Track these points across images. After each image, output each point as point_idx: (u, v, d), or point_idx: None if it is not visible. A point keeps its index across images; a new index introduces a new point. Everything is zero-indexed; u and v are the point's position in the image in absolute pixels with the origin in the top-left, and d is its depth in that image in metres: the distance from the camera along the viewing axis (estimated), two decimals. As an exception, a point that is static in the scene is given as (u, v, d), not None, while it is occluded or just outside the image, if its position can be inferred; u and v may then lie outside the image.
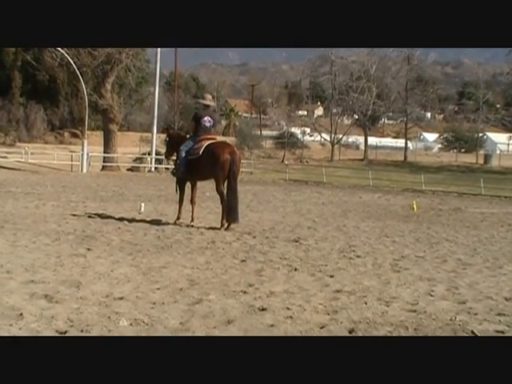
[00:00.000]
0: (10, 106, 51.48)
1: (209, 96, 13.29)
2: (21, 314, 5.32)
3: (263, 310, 5.92)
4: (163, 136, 18.85)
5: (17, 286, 6.48)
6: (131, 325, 5.24)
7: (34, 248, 8.90)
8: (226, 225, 11.87)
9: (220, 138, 13.68)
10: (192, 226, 12.03)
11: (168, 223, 12.20)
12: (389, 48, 55.96)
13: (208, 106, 12.77)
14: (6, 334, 4.76)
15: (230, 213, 11.90)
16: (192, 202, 12.58)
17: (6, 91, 50.91)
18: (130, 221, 12.45)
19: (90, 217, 12.96)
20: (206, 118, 12.30)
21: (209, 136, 12.32)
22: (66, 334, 4.89)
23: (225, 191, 12.04)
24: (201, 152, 11.98)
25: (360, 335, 5.25)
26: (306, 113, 78.17)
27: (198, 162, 12.01)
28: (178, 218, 12.41)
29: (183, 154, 12.23)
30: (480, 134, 68.56)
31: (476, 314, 6.12)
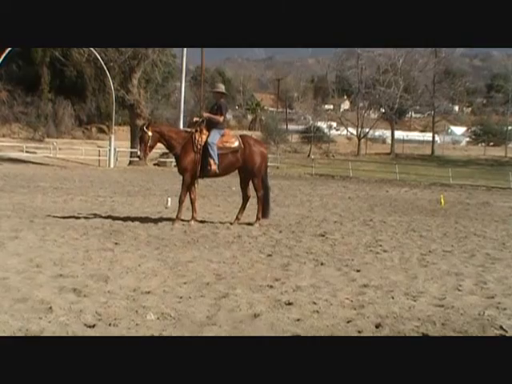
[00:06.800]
0: (39, 101, 51.96)
1: (222, 85, 12.53)
2: (50, 308, 5.39)
3: (289, 304, 5.92)
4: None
5: (46, 279, 6.57)
6: (158, 319, 5.27)
7: (63, 242, 9.00)
8: (260, 219, 11.91)
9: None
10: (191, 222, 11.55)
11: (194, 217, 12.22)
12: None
13: (223, 95, 12.21)
14: (36, 327, 4.83)
15: (267, 208, 12.06)
16: (195, 198, 11.86)
17: (34, 87, 51.39)
18: (157, 215, 12.53)
19: (117, 211, 13.06)
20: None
21: (226, 129, 12.19)
22: (94, 328, 4.95)
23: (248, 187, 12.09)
24: (237, 145, 11.68)
25: (386, 332, 5.23)
26: (332, 107, 77.74)
27: (235, 156, 11.69)
28: (178, 218, 11.52)
29: (215, 148, 11.51)
30: (509, 127, 67.57)
31: (505, 308, 6.06)
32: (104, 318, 5.22)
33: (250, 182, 12.05)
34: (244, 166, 11.82)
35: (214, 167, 11.52)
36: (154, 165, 36.73)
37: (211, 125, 11.68)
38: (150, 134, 11.43)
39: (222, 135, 11.72)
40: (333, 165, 40.97)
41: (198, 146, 11.49)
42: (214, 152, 11.48)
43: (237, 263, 7.98)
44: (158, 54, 39.58)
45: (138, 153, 11.71)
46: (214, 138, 11.56)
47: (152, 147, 11.77)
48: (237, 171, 12.06)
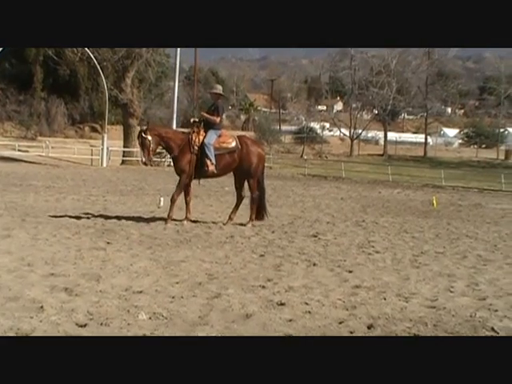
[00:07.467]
0: (32, 100, 51.75)
1: (219, 86, 12.72)
2: (41, 307, 5.37)
3: (282, 304, 5.93)
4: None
5: (37, 278, 6.55)
6: (150, 318, 5.27)
7: (55, 241, 8.98)
8: (253, 220, 11.89)
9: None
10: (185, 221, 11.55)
11: (188, 218, 12.20)
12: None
13: (221, 96, 12.28)
14: (27, 326, 4.81)
15: (264, 209, 12.08)
16: (190, 198, 11.93)
17: (27, 85, 51.20)
18: (150, 215, 12.51)
19: (109, 210, 13.03)
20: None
21: (223, 129, 12.24)
22: (86, 327, 4.93)
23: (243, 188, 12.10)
24: (234, 145, 11.65)
25: (378, 333, 5.24)
26: (325, 108, 77.81)
27: (232, 157, 11.66)
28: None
29: (212, 149, 11.49)
30: (501, 130, 67.78)
31: (496, 310, 6.08)
32: (96, 317, 5.21)
33: (246, 183, 12.06)
34: (240, 165, 11.80)
35: (212, 168, 11.53)
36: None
37: (208, 125, 11.69)
38: (149, 138, 11.47)
39: (219, 136, 11.74)
40: (325, 165, 40.95)
41: (195, 147, 11.51)
42: (210, 153, 11.49)
43: (229, 263, 7.98)
44: (152, 53, 39.46)
45: (143, 159, 11.79)
46: (211, 138, 11.57)
47: (154, 150, 11.87)
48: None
